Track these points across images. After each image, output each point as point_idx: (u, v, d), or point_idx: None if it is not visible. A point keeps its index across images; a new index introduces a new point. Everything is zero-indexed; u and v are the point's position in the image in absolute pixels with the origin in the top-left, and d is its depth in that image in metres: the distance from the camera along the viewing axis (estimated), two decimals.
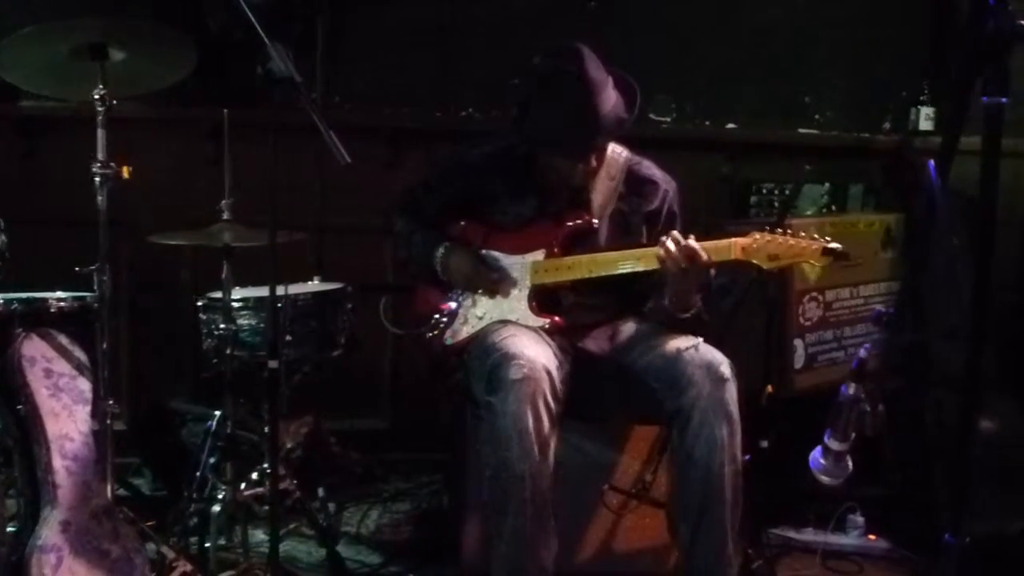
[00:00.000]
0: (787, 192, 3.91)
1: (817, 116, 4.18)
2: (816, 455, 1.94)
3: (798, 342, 3.39)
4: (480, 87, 3.99)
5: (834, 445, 1.84)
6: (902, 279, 3.67)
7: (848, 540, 3.35)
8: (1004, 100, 1.74)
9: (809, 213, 3.85)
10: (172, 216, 3.31)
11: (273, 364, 2.61)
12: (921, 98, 4.03)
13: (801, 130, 4.17)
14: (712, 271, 2.60)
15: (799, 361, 3.39)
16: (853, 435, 1.85)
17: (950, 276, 3.55)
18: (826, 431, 1.91)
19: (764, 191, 3.93)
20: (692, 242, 2.52)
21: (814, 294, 3.43)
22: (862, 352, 1.77)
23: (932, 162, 2.70)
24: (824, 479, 2.01)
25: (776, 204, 3.93)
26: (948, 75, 3.94)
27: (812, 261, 2.49)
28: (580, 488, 2.86)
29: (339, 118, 3.71)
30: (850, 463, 1.88)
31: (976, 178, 3.83)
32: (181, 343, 3.82)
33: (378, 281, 3.21)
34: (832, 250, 2.47)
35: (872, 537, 3.34)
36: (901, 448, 3.46)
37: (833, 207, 3.94)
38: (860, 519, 3.36)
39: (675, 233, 2.55)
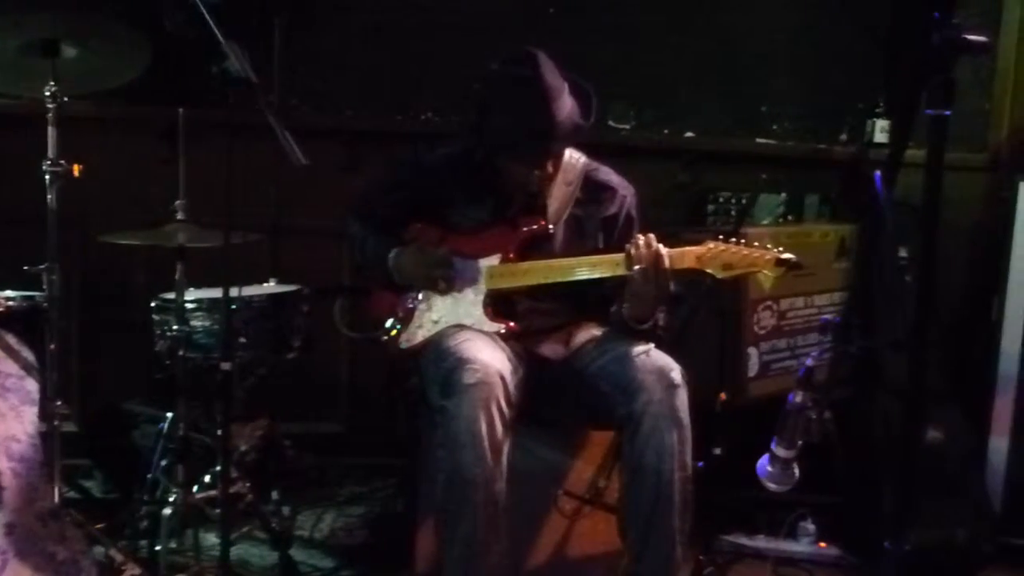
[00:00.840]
0: (744, 201, 3.93)
1: (775, 126, 4.20)
2: (763, 462, 1.96)
3: (752, 350, 3.41)
4: (439, 90, 3.98)
5: (781, 452, 1.86)
6: (851, 289, 3.71)
7: (799, 547, 3.36)
8: (948, 112, 1.77)
9: (765, 223, 3.88)
10: (125, 216, 3.28)
11: (226, 366, 2.59)
12: (876, 110, 4.07)
13: (759, 140, 4.19)
14: (671, 282, 2.60)
15: (753, 369, 3.42)
16: (800, 442, 1.87)
17: (896, 287, 3.62)
18: (773, 439, 1.93)
19: (721, 200, 3.94)
20: (660, 247, 2.54)
21: (768, 303, 3.46)
22: (809, 361, 1.79)
23: (878, 173, 2.73)
24: (771, 486, 2.03)
25: (733, 213, 3.94)
26: (896, 88, 3.98)
27: (766, 271, 2.50)
28: (533, 493, 2.84)
29: (297, 120, 3.76)
30: (797, 470, 1.91)
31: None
32: (134, 344, 3.75)
33: (335, 283, 3.19)
34: (786, 261, 2.49)
35: (823, 544, 3.36)
36: (850, 456, 3.49)
37: (789, 217, 3.96)
38: (811, 526, 3.38)
39: (650, 235, 2.57)
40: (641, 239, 2.56)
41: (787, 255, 2.50)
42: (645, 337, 2.71)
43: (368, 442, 3.90)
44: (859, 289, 3.68)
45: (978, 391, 3.53)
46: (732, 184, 3.99)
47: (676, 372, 2.59)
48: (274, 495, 3.38)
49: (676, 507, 2.54)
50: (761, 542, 3.37)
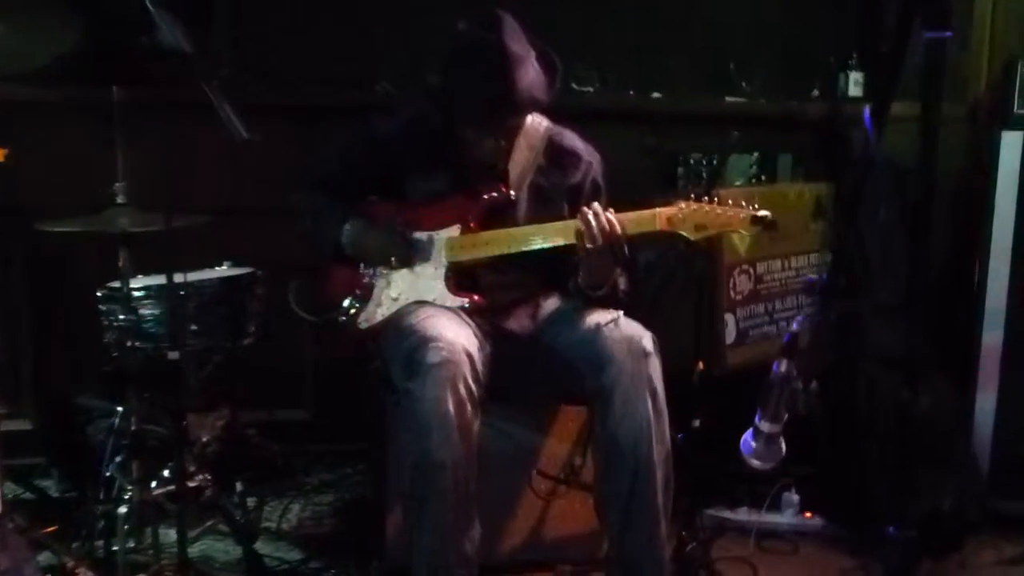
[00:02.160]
0: (715, 162, 3.81)
1: (744, 84, 4.08)
2: (747, 438, 1.82)
3: (729, 317, 3.30)
4: (396, 61, 3.81)
5: (765, 427, 1.71)
6: (832, 249, 3.60)
7: (783, 519, 3.28)
8: (948, 34, 1.63)
9: (738, 184, 3.77)
10: (66, 202, 3.10)
11: (174, 355, 2.46)
12: (850, 63, 3.95)
13: (728, 99, 4.07)
14: (625, 247, 2.47)
15: (730, 336, 3.31)
16: (785, 416, 1.73)
17: (882, 247, 3.51)
18: (757, 412, 1.79)
19: (691, 162, 3.84)
20: (611, 215, 2.42)
21: (744, 267, 3.35)
22: (795, 326, 1.64)
23: (867, 111, 2.56)
24: (755, 463, 1.89)
25: (705, 175, 3.83)
26: (879, 30, 3.84)
27: (741, 230, 2.41)
28: (506, 474, 2.77)
29: (250, 96, 3.55)
30: (783, 445, 1.76)
31: (907, 147, 3.78)
32: (86, 336, 3.61)
33: (288, 264, 3.04)
34: (761, 218, 2.37)
35: (808, 515, 3.28)
36: (833, 425, 3.40)
37: (763, 177, 3.86)
38: (795, 497, 3.29)
39: (596, 204, 2.46)
40: (588, 212, 2.44)
41: (762, 212, 2.39)
42: (605, 304, 2.61)
43: (336, 428, 3.76)
44: (838, 250, 3.56)
45: (962, 354, 3.42)
46: (702, 146, 3.87)
47: (647, 339, 2.49)
48: (238, 486, 3.26)
49: (657, 483, 2.44)
50: (744, 515, 3.28)
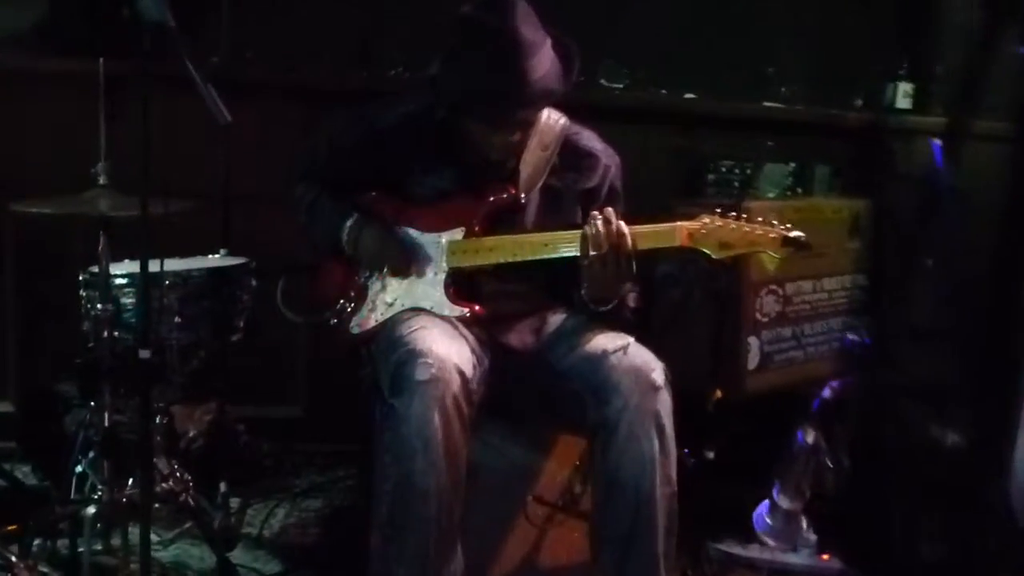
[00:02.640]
0: (748, 171, 3.60)
1: (783, 89, 3.88)
2: (762, 512, 1.57)
3: (752, 340, 3.07)
4: (409, 43, 3.62)
5: (784, 503, 1.46)
6: (868, 271, 3.38)
7: (798, 559, 3.00)
8: None
9: (771, 195, 3.53)
10: (47, 180, 2.92)
11: (144, 354, 2.27)
12: (899, 72, 3.71)
13: (765, 104, 3.87)
14: (633, 263, 2.27)
15: (753, 361, 3.07)
16: (808, 493, 1.48)
17: (919, 271, 3.30)
18: (774, 484, 1.55)
19: (723, 169, 3.62)
20: (623, 225, 2.23)
21: (773, 287, 3.11)
22: (826, 392, 1.40)
23: (937, 143, 2.31)
24: (769, 541, 1.63)
25: (736, 184, 3.61)
26: (931, 47, 3.61)
27: (770, 251, 2.20)
28: (499, 497, 2.56)
29: (251, 77, 3.48)
30: (804, 524, 1.50)
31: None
32: (73, 320, 3.45)
33: (278, 261, 2.86)
34: (793, 240, 2.17)
35: (825, 557, 3.00)
36: (856, 459, 3.18)
37: (798, 189, 3.63)
38: (812, 536, 3.00)
39: (609, 210, 2.26)
40: (599, 217, 2.25)
41: (795, 233, 2.18)
42: (612, 322, 2.41)
43: (330, 427, 3.57)
44: (874, 272, 3.34)
45: (1002, 386, 3.18)
46: (734, 152, 3.67)
47: (657, 372, 2.28)
48: (222, 486, 3.07)
49: (659, 529, 2.24)
50: (755, 552, 2.99)
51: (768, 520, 1.49)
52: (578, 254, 2.31)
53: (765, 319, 3.11)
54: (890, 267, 3.30)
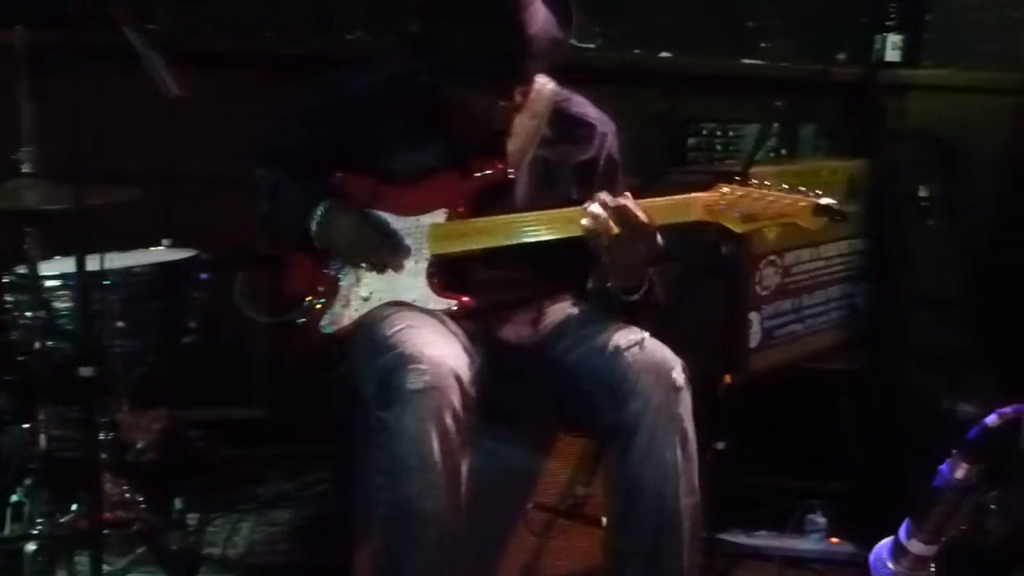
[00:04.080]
0: (730, 134, 3.38)
1: (763, 44, 3.66)
2: (882, 554, 1.31)
3: (754, 316, 2.84)
4: (375, 4, 3.38)
5: (915, 547, 1.21)
6: (868, 235, 3.17)
7: (808, 544, 2.93)
8: None
9: (756, 159, 3.30)
10: None
11: (86, 371, 1.97)
12: (887, 24, 3.50)
13: (745, 61, 3.65)
14: (659, 240, 2.02)
15: (755, 339, 2.85)
16: (949, 535, 1.25)
17: (920, 233, 3.13)
18: (904, 524, 1.30)
19: (704, 132, 3.42)
20: (626, 200, 1.97)
21: (772, 257, 2.88)
22: (992, 418, 1.15)
23: None
24: None
25: (718, 147, 3.39)
26: None
27: (800, 222, 1.95)
28: (497, 504, 2.30)
29: (197, 46, 3.19)
30: (933, 569, 1.26)
31: (944, 116, 3.35)
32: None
33: (235, 252, 2.58)
34: (825, 207, 1.93)
35: (835, 541, 2.93)
36: (866, 437, 3.01)
37: (783, 151, 3.41)
38: (821, 520, 2.94)
39: (602, 194, 2.00)
40: (594, 206, 1.98)
41: (826, 200, 1.94)
42: (636, 313, 2.15)
43: (296, 427, 3.31)
44: (875, 235, 3.14)
45: (1016, 352, 3.02)
46: (716, 113, 3.48)
47: (677, 370, 2.06)
48: (177, 503, 2.81)
49: (684, 543, 2.02)
50: (764, 539, 2.94)
51: (891, 566, 1.27)
52: (576, 234, 2.06)
53: (765, 292, 2.89)
54: (891, 230, 3.10)
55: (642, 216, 1.96)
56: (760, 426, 3.06)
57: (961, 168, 3.25)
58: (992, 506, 1.43)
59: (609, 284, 2.09)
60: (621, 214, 1.96)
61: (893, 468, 2.93)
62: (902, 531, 1.33)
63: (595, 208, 1.98)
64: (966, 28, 3.44)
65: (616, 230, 1.96)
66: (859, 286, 3.20)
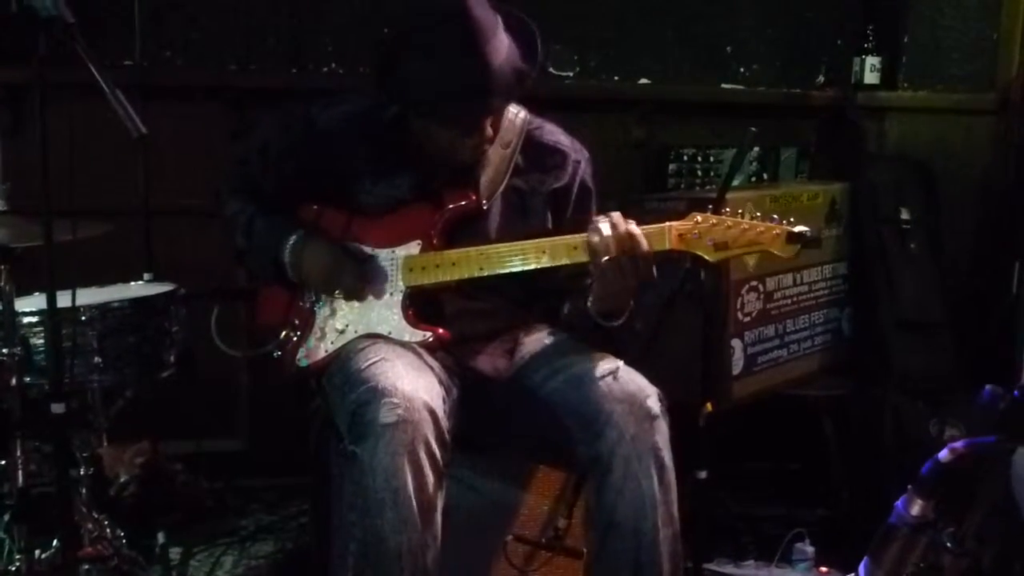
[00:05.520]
0: (711, 160, 3.40)
1: (742, 69, 3.67)
2: None
3: (736, 343, 2.84)
4: (343, 37, 3.36)
5: None
6: (850, 258, 3.17)
7: (796, 574, 2.87)
8: None
9: (736, 183, 3.30)
10: None
11: (58, 408, 1.96)
12: (865, 46, 3.51)
13: (724, 86, 3.67)
14: (653, 266, 2.03)
15: (737, 366, 2.85)
16: (906, 573, 1.22)
17: (902, 256, 3.13)
18: (863, 561, 1.28)
19: (685, 158, 3.43)
20: (633, 227, 1.97)
21: (753, 283, 2.88)
22: (944, 452, 1.13)
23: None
24: None
25: (699, 173, 3.39)
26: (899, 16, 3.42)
27: (773, 250, 1.96)
28: (476, 535, 2.27)
29: (171, 78, 3.23)
30: None
31: (923, 137, 3.38)
32: None
33: (209, 286, 2.56)
34: (799, 235, 1.95)
35: (823, 570, 2.86)
36: (852, 463, 2.99)
37: (764, 176, 3.42)
38: (809, 548, 2.89)
39: (616, 214, 2.01)
40: (604, 222, 1.99)
41: (800, 228, 1.97)
42: (614, 341, 2.15)
43: (276, 460, 3.28)
44: (856, 258, 3.14)
45: (998, 375, 3.01)
46: (695, 139, 3.50)
47: (653, 399, 2.04)
48: (160, 537, 2.79)
49: (664, 572, 2.00)
50: (751, 569, 2.90)
51: None
52: (552, 264, 2.06)
53: (747, 318, 2.89)
54: (873, 253, 3.10)
55: (644, 245, 1.97)
56: (744, 453, 3.04)
57: (940, 189, 3.25)
58: (948, 544, 1.41)
59: (591, 305, 2.09)
60: (627, 238, 1.97)
61: (878, 494, 2.90)
62: (862, 568, 1.32)
63: (603, 226, 1.98)
64: (944, 50, 3.47)
65: (615, 252, 1.96)
66: (843, 311, 3.20)
